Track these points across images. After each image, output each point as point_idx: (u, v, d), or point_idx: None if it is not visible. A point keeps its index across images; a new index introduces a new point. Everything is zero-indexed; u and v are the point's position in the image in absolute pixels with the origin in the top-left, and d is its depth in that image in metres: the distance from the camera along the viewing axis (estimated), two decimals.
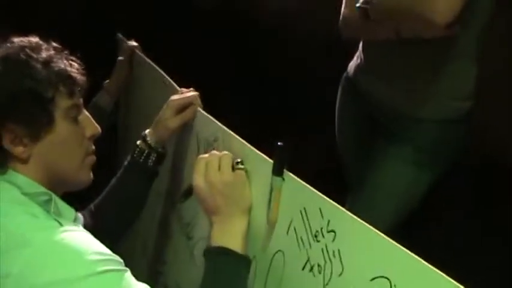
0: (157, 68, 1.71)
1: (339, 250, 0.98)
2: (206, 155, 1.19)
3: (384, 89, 1.67)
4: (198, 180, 1.16)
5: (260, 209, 1.16)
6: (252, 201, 1.17)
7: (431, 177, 1.68)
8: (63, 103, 1.09)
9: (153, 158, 1.43)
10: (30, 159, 1.07)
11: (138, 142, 1.43)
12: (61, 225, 1.02)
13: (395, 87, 1.65)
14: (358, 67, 1.77)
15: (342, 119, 1.89)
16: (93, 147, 1.19)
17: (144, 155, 1.42)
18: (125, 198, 1.44)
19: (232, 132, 1.26)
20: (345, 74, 1.85)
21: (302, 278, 1.06)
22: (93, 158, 1.19)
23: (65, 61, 1.11)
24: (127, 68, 1.94)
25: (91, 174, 1.18)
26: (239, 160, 1.18)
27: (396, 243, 0.88)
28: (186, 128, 1.45)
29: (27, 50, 1.08)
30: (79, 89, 1.13)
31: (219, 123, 1.31)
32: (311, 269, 1.05)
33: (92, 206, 1.41)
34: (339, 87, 1.88)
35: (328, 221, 1.00)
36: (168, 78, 1.60)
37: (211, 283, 1.11)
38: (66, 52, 1.13)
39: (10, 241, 0.99)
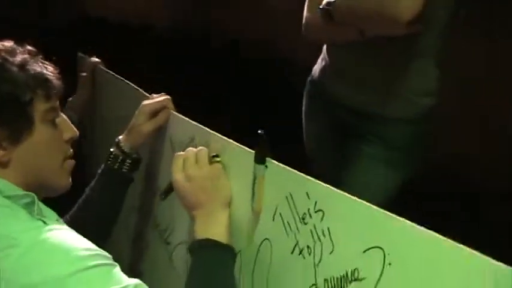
0: (122, 79, 1.72)
1: (328, 228, 1.00)
2: (182, 152, 1.20)
3: (351, 90, 1.71)
4: (178, 175, 1.17)
5: (243, 201, 1.17)
6: (231, 193, 1.19)
7: (403, 175, 1.72)
8: (41, 106, 1.09)
9: (128, 164, 1.43)
10: (9, 163, 1.06)
11: (112, 149, 1.43)
12: (46, 224, 1.02)
13: (362, 88, 1.69)
14: (323, 70, 1.80)
15: (310, 123, 1.91)
16: (71, 151, 1.18)
17: (119, 161, 1.42)
18: (102, 206, 1.42)
19: (208, 129, 1.27)
20: (309, 78, 1.88)
21: (291, 262, 1.08)
22: (72, 162, 1.18)
23: (40, 64, 1.11)
24: (90, 83, 1.93)
25: (70, 179, 1.18)
26: (214, 154, 1.20)
27: (387, 212, 0.91)
28: (159, 132, 1.46)
29: (3, 54, 1.07)
30: (55, 91, 1.12)
31: (195, 123, 1.32)
32: (300, 252, 1.06)
33: (67, 216, 1.39)
34: (304, 92, 1.91)
35: (316, 202, 1.02)
36: (136, 87, 1.61)
37: (200, 275, 1.11)
38: (40, 56, 1.13)
39: None
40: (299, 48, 2.21)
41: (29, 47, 1.12)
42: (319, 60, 1.84)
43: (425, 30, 1.54)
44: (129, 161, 1.43)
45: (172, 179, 1.19)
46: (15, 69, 1.07)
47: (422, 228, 0.86)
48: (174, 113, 1.41)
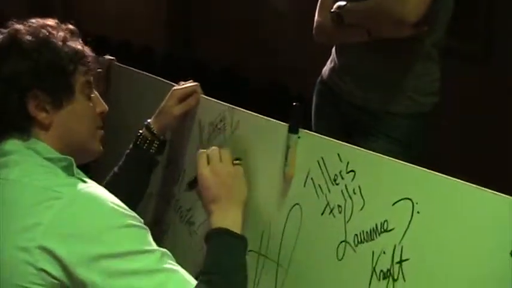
0: (142, 72, 1.82)
1: (359, 186, 1.11)
2: (205, 150, 1.31)
3: (358, 87, 1.85)
4: (203, 169, 1.27)
5: (275, 170, 1.28)
6: (247, 194, 1.29)
7: None
8: (80, 78, 1.20)
9: (155, 146, 1.52)
10: (51, 126, 1.16)
11: (141, 131, 1.52)
12: (85, 182, 1.11)
13: (368, 86, 1.83)
14: (332, 70, 1.94)
15: (320, 122, 2.03)
16: (102, 123, 1.29)
17: (147, 142, 1.51)
18: (129, 184, 1.50)
19: (239, 108, 1.38)
20: (319, 79, 2.02)
21: (322, 223, 1.19)
22: (102, 132, 1.28)
23: (80, 43, 1.23)
24: (104, 79, 2.03)
25: (101, 146, 1.27)
26: (236, 157, 1.30)
27: (415, 166, 1.03)
28: (186, 118, 1.56)
29: (49, 28, 1.18)
30: (92, 68, 1.23)
31: (225, 103, 1.43)
32: (331, 212, 1.17)
33: None
34: (314, 92, 2.04)
35: (348, 163, 1.13)
36: (158, 77, 1.71)
37: (216, 260, 1.19)
38: (80, 35, 1.24)
39: (39, 195, 1.06)
40: None
41: (70, 26, 1.23)
42: (328, 62, 1.98)
43: (429, 32, 1.69)
44: (157, 143, 1.52)
45: (198, 171, 1.28)
46: (59, 43, 1.17)
47: (448, 177, 0.98)
48: (204, 96, 1.51)
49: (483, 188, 0.94)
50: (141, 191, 1.56)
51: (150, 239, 1.09)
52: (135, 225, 1.08)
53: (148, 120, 1.53)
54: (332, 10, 1.77)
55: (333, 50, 1.95)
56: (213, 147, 1.31)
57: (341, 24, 1.76)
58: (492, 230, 0.92)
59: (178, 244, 1.65)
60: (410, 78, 1.78)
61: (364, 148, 1.82)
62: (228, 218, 1.23)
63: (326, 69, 1.98)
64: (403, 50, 1.75)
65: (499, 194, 0.92)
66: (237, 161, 1.29)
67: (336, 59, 1.93)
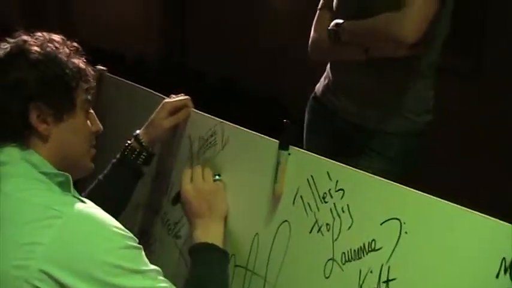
0: (133, 83, 1.82)
1: (347, 205, 1.12)
2: (189, 168, 1.40)
3: (353, 105, 1.86)
4: (187, 186, 1.37)
5: (263, 186, 1.28)
6: (227, 209, 1.37)
7: None
8: (82, 95, 1.21)
9: (143, 157, 1.52)
10: (49, 138, 1.16)
11: (130, 141, 1.53)
12: (83, 202, 1.11)
13: (363, 104, 1.84)
14: (326, 87, 1.95)
15: (312, 138, 2.03)
16: (94, 141, 1.30)
17: (135, 153, 1.52)
18: (112, 194, 1.50)
19: (230, 123, 1.38)
20: (312, 95, 2.02)
21: (310, 241, 1.19)
22: (94, 150, 1.30)
23: (83, 61, 1.24)
24: (95, 90, 2.02)
25: (92, 164, 1.29)
26: (217, 174, 1.39)
27: (404, 186, 1.04)
28: (175, 131, 1.56)
29: (55, 43, 1.20)
30: (92, 87, 1.25)
31: (216, 118, 1.43)
32: (319, 230, 1.18)
33: None
34: (307, 107, 2.04)
35: (337, 182, 1.14)
36: (149, 90, 1.71)
37: (199, 273, 1.26)
38: (82, 53, 1.25)
39: (37, 213, 1.05)
40: None
41: (75, 44, 1.24)
42: (322, 79, 1.99)
43: (426, 51, 1.71)
44: (145, 154, 1.53)
45: (181, 188, 1.38)
46: (65, 58, 1.19)
47: (437, 198, 0.99)
48: (195, 110, 1.52)
49: (471, 210, 0.95)
50: (125, 200, 1.56)
51: (145, 258, 1.12)
52: (132, 246, 1.10)
53: (138, 132, 1.54)
54: (329, 27, 1.78)
55: (328, 66, 1.96)
56: (197, 166, 1.40)
57: (338, 42, 1.77)
58: (479, 252, 0.93)
59: (165, 256, 1.64)
60: (406, 97, 1.80)
61: (356, 165, 1.84)
62: (210, 233, 1.32)
63: (320, 86, 1.99)
64: (399, 68, 1.76)
65: (487, 216, 0.93)
66: (217, 178, 1.38)
67: (330, 75, 1.94)
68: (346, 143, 1.90)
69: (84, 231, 1.06)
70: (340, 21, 1.76)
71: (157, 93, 1.68)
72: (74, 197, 1.11)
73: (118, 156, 1.54)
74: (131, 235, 1.12)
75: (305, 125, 2.05)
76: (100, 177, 1.53)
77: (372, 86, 1.81)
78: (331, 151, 1.96)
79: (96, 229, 1.07)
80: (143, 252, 1.12)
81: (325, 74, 1.97)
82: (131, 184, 1.56)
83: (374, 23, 1.67)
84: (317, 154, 1.96)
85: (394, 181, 1.07)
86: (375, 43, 1.70)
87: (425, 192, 1.01)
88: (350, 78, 1.86)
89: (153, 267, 1.12)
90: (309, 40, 1.91)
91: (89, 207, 1.10)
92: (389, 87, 1.80)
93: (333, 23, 1.76)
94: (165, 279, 1.13)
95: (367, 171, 1.76)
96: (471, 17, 3.03)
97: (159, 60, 5.23)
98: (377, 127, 1.83)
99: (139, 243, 1.13)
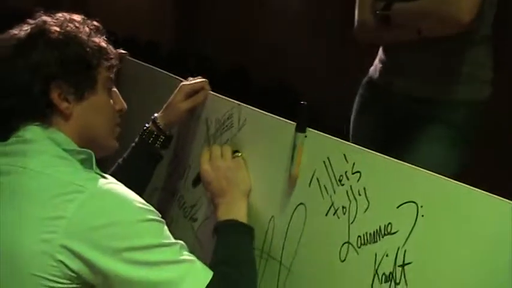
0: (154, 67, 1.82)
1: (364, 188, 1.11)
2: (208, 147, 1.39)
3: (413, 82, 1.82)
4: (205, 165, 1.35)
5: (279, 169, 1.27)
6: (250, 185, 1.35)
7: (464, 154, 1.83)
8: (103, 73, 1.22)
9: (161, 141, 1.52)
10: (71, 117, 1.17)
11: (147, 124, 1.53)
12: (105, 178, 1.12)
13: (426, 77, 1.81)
14: (383, 70, 1.91)
15: (360, 119, 2.00)
16: (119, 120, 1.30)
17: (153, 136, 1.52)
18: (131, 178, 1.48)
19: (247, 105, 1.38)
20: (366, 79, 1.99)
21: (325, 224, 1.18)
22: (119, 129, 1.31)
23: (105, 40, 1.25)
24: (117, 74, 2.03)
25: (117, 143, 1.30)
26: (236, 150, 1.37)
27: (421, 169, 1.02)
28: (193, 114, 1.56)
29: (76, 23, 1.21)
30: (114, 65, 1.24)
31: (233, 100, 1.42)
32: (335, 213, 1.17)
33: None
34: (360, 91, 2.01)
35: (353, 164, 1.13)
36: (169, 73, 1.71)
37: (226, 250, 1.24)
38: (103, 32, 1.25)
39: (60, 188, 1.06)
40: None
41: (95, 23, 1.24)
42: (376, 62, 1.95)
43: (480, 23, 1.69)
44: (163, 137, 1.53)
45: (200, 169, 1.36)
46: (85, 37, 1.20)
47: (454, 181, 0.98)
48: (212, 92, 1.51)
49: (489, 193, 0.93)
50: (144, 184, 1.56)
51: (168, 232, 1.12)
52: (154, 220, 1.11)
53: (156, 115, 1.54)
54: (378, 11, 1.75)
55: (380, 50, 1.92)
56: (215, 145, 1.38)
57: (388, 25, 1.74)
58: (496, 236, 0.92)
59: (181, 239, 1.65)
60: (466, 66, 1.77)
61: (422, 136, 1.82)
62: (233, 210, 1.30)
63: (375, 69, 1.95)
64: (454, 41, 1.72)
65: (505, 200, 0.91)
66: (236, 154, 1.36)
67: (385, 57, 1.90)
68: (403, 122, 1.86)
69: (106, 206, 1.07)
70: (387, 3, 1.72)
71: (175, 76, 1.68)
72: (96, 173, 1.12)
73: (136, 140, 1.54)
74: (153, 209, 1.12)
75: (355, 109, 2.02)
76: (119, 161, 1.53)
77: (428, 60, 1.79)
78: (383, 133, 1.93)
79: (117, 203, 1.08)
80: (165, 226, 1.12)
81: (379, 57, 1.93)
82: (150, 168, 1.56)
83: (427, 5, 1.64)
84: (366, 134, 1.97)
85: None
86: (429, 24, 1.67)
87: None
88: (407, 56, 1.82)
89: (176, 241, 1.12)
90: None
91: (110, 182, 1.11)
92: (446, 58, 1.77)
93: (380, 6, 1.73)
94: (189, 253, 1.12)
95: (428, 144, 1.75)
96: None
97: (172, 46, 5.24)
98: (440, 97, 1.80)
99: None
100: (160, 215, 1.13)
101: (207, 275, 1.10)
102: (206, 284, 1.08)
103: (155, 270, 1.06)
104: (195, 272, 1.09)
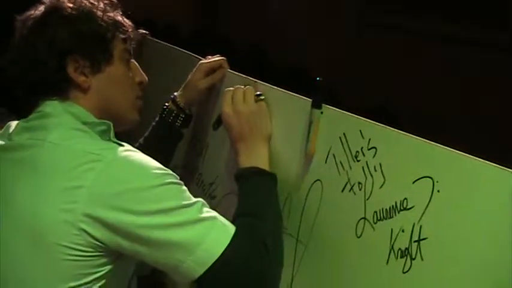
0: (174, 47, 1.83)
1: (380, 164, 1.10)
2: (231, 88, 1.34)
3: None
4: (227, 108, 1.32)
5: (295, 145, 1.27)
6: (272, 130, 1.32)
7: None
8: (119, 45, 1.23)
9: (181, 119, 1.53)
10: (89, 90, 1.19)
11: (167, 103, 1.54)
12: (122, 145, 1.13)
13: None
14: None
15: None
16: (141, 93, 1.30)
17: (173, 115, 1.52)
18: (152, 157, 1.52)
19: (264, 83, 1.38)
20: None
21: (342, 200, 1.18)
22: (141, 102, 1.30)
23: (120, 14, 1.26)
24: (137, 53, 2.04)
25: (138, 116, 1.30)
26: (259, 93, 1.33)
27: (437, 144, 1.01)
28: (212, 91, 1.56)
29: (91, 0, 1.21)
30: (131, 37, 1.25)
31: (250, 78, 1.42)
32: (351, 189, 1.16)
33: None
34: None
35: (369, 140, 1.12)
36: (189, 53, 1.72)
37: (251, 198, 1.23)
38: (120, 6, 1.26)
39: (78, 158, 1.08)
40: None
41: None
42: None
43: None
44: (182, 116, 1.54)
45: (222, 111, 1.33)
46: (99, 12, 1.21)
47: (471, 156, 0.96)
48: (230, 70, 1.51)
49: (505, 168, 0.92)
50: (165, 163, 1.57)
51: (188, 193, 1.12)
52: (174, 182, 1.11)
53: (175, 94, 1.54)
54: None
55: None
56: (237, 86, 1.34)
57: None
58: None
59: None
60: None
61: None
62: (254, 156, 1.28)
63: None
64: None
65: None
66: (260, 97, 1.32)
67: None
68: None
69: (124, 172, 1.08)
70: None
71: (193, 55, 1.69)
72: (113, 141, 1.13)
73: (157, 119, 1.55)
74: (171, 172, 1.13)
75: None
76: (140, 140, 1.55)
77: None
78: None
79: (135, 169, 1.09)
80: (185, 187, 1.13)
81: None
82: (171, 146, 1.57)
83: None
84: None
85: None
86: None
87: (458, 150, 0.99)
88: None
89: (197, 199, 1.12)
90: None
91: (128, 149, 1.12)
92: None
93: None
94: (210, 209, 1.12)
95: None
96: None
97: (191, 27, 5.23)
98: None
99: None
100: (178, 177, 1.14)
101: (230, 230, 1.10)
102: (230, 239, 1.09)
103: (177, 231, 1.06)
104: (217, 229, 1.09)
